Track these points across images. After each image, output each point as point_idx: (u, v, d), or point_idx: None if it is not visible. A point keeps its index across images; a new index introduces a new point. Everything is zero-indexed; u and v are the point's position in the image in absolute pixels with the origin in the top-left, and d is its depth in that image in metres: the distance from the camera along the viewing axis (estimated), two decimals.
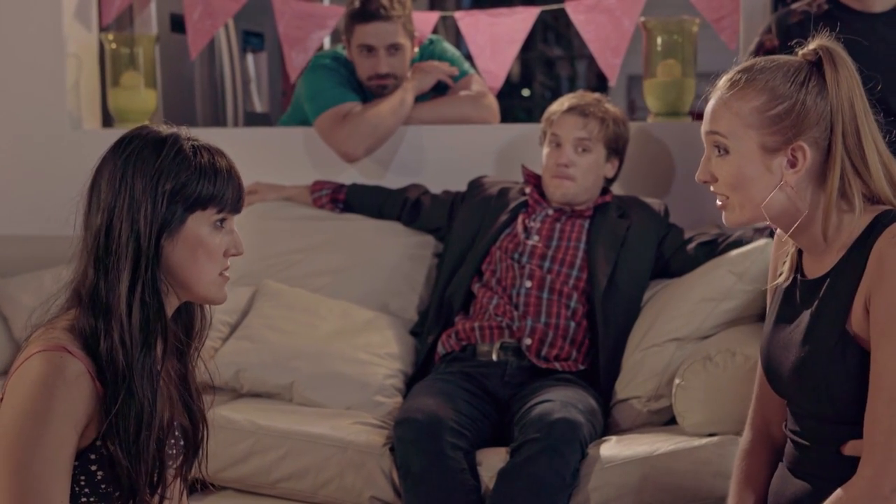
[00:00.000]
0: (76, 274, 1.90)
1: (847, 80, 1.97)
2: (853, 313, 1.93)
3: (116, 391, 1.83)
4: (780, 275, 2.11)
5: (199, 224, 1.88)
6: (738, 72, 2.00)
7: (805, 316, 2.01)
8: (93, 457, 1.85)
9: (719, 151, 2.00)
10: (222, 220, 1.91)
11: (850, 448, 1.96)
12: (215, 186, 1.88)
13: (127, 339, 1.84)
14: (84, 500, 1.86)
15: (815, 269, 2.03)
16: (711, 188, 2.03)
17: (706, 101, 2.04)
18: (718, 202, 2.03)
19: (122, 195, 1.85)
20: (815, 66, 1.99)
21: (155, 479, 1.91)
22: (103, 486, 1.86)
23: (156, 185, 1.85)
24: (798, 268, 2.08)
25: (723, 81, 2.02)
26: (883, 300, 1.88)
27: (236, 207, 1.93)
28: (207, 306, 2.03)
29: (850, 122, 1.95)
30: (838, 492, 1.90)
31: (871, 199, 1.98)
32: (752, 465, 2.20)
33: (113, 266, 1.85)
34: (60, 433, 1.78)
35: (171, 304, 1.92)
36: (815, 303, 1.99)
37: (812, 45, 2.01)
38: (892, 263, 1.88)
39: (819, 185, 1.98)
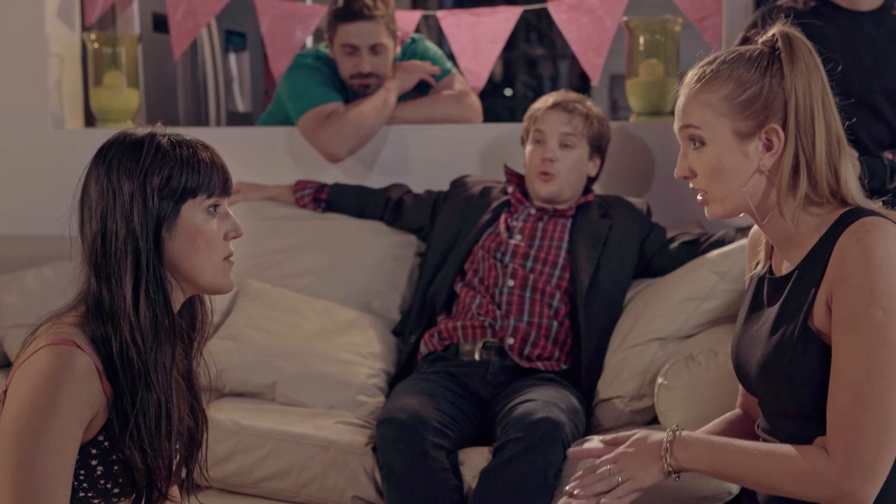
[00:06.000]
0: (82, 285, 1.92)
1: (804, 62, 1.98)
2: (815, 309, 1.95)
3: (134, 388, 1.85)
4: (758, 264, 2.14)
5: (193, 212, 1.90)
6: (703, 66, 2.04)
7: (771, 313, 2.03)
8: (94, 451, 1.86)
9: (695, 144, 2.02)
10: (215, 206, 1.93)
11: (818, 444, 1.97)
12: (200, 174, 1.91)
13: (138, 336, 1.86)
14: (81, 494, 1.87)
15: (783, 266, 2.06)
16: (691, 185, 2.05)
17: (675, 99, 2.07)
18: (699, 197, 2.05)
19: (111, 200, 1.88)
20: (776, 51, 2.01)
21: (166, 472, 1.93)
22: (101, 482, 1.87)
23: (143, 183, 1.87)
24: (768, 266, 2.10)
25: (689, 77, 2.04)
26: (845, 297, 1.89)
27: (224, 190, 1.94)
28: (208, 302, 2.04)
29: (803, 105, 1.97)
30: (805, 459, 1.91)
31: (833, 193, 2.00)
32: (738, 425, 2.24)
33: (113, 270, 1.87)
34: (66, 427, 1.79)
35: (177, 300, 1.94)
36: (780, 300, 2.01)
37: (770, 32, 2.03)
38: (854, 261, 1.89)
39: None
